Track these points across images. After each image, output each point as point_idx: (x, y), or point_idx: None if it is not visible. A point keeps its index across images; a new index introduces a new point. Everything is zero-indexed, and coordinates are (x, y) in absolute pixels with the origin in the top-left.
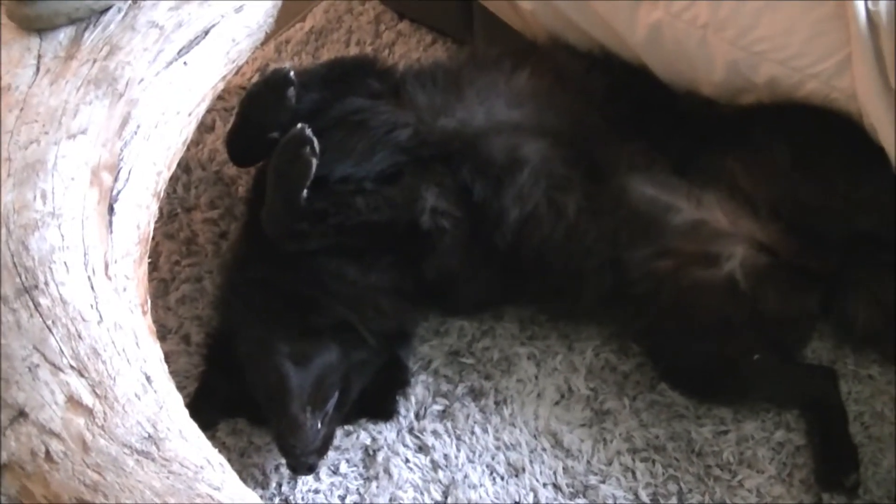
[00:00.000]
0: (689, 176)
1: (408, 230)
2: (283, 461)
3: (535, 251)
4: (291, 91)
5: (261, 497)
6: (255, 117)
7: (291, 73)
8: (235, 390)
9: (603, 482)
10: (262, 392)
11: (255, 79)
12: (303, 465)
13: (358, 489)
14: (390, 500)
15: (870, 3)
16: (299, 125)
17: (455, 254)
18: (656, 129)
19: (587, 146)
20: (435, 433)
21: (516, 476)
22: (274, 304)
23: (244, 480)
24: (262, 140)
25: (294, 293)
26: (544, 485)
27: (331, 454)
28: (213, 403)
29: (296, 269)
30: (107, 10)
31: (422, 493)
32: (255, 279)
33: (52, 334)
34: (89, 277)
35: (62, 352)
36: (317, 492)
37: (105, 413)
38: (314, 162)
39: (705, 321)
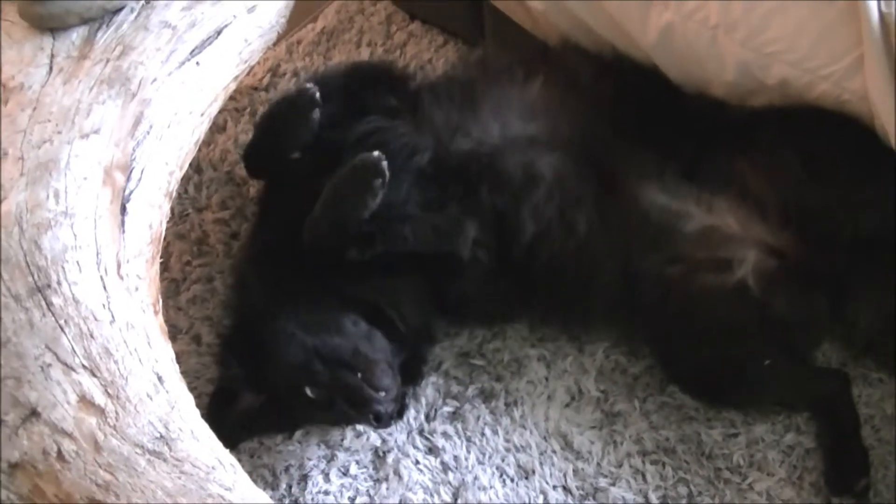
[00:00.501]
0: (700, 180)
1: (444, 257)
2: (293, 462)
3: (546, 266)
4: (316, 113)
5: (271, 498)
6: (277, 137)
7: (317, 95)
8: (256, 380)
9: (613, 484)
10: (317, 362)
11: (267, 79)
12: (386, 413)
13: (368, 490)
14: (400, 501)
15: (882, 4)
16: (376, 154)
17: (479, 281)
18: (666, 134)
19: (599, 157)
20: (445, 435)
21: (526, 478)
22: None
23: (254, 481)
24: (283, 159)
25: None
26: (554, 487)
27: (340, 455)
28: (232, 410)
29: (316, 276)
30: (119, 9)
31: (432, 495)
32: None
33: (65, 333)
34: (102, 277)
35: (74, 351)
36: (326, 493)
37: (117, 413)
38: (380, 196)
39: (716, 327)
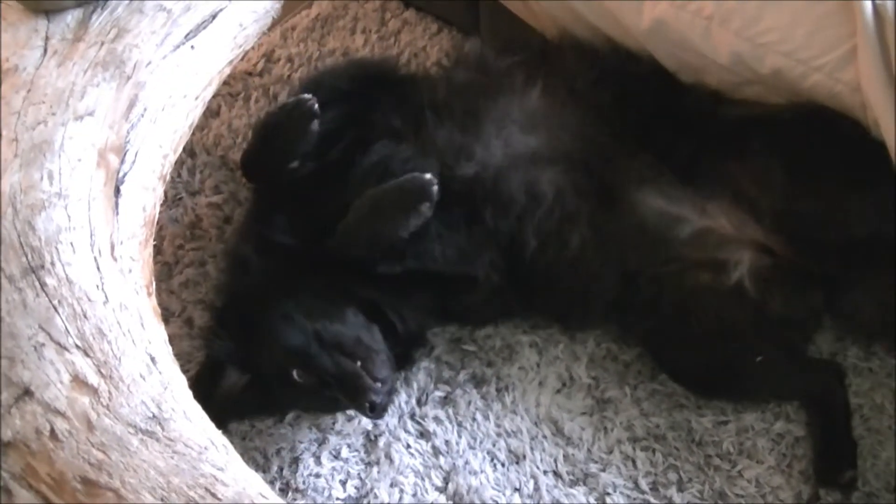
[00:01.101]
0: (695, 183)
1: (459, 276)
2: (284, 445)
3: (545, 275)
4: (315, 125)
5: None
6: (276, 146)
7: (316, 107)
8: (244, 357)
9: (603, 470)
10: (315, 346)
11: (261, 65)
12: (381, 403)
13: (359, 474)
14: (391, 485)
15: None
16: (428, 176)
17: (487, 297)
18: (663, 136)
19: (598, 166)
20: (436, 419)
21: (517, 463)
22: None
23: (246, 464)
24: (283, 168)
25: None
26: (544, 472)
27: (332, 439)
28: (217, 387)
29: (319, 269)
30: None
31: (423, 479)
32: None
33: (58, 314)
34: (95, 258)
35: (68, 331)
36: (318, 476)
37: (110, 392)
38: (425, 219)
39: (711, 327)
